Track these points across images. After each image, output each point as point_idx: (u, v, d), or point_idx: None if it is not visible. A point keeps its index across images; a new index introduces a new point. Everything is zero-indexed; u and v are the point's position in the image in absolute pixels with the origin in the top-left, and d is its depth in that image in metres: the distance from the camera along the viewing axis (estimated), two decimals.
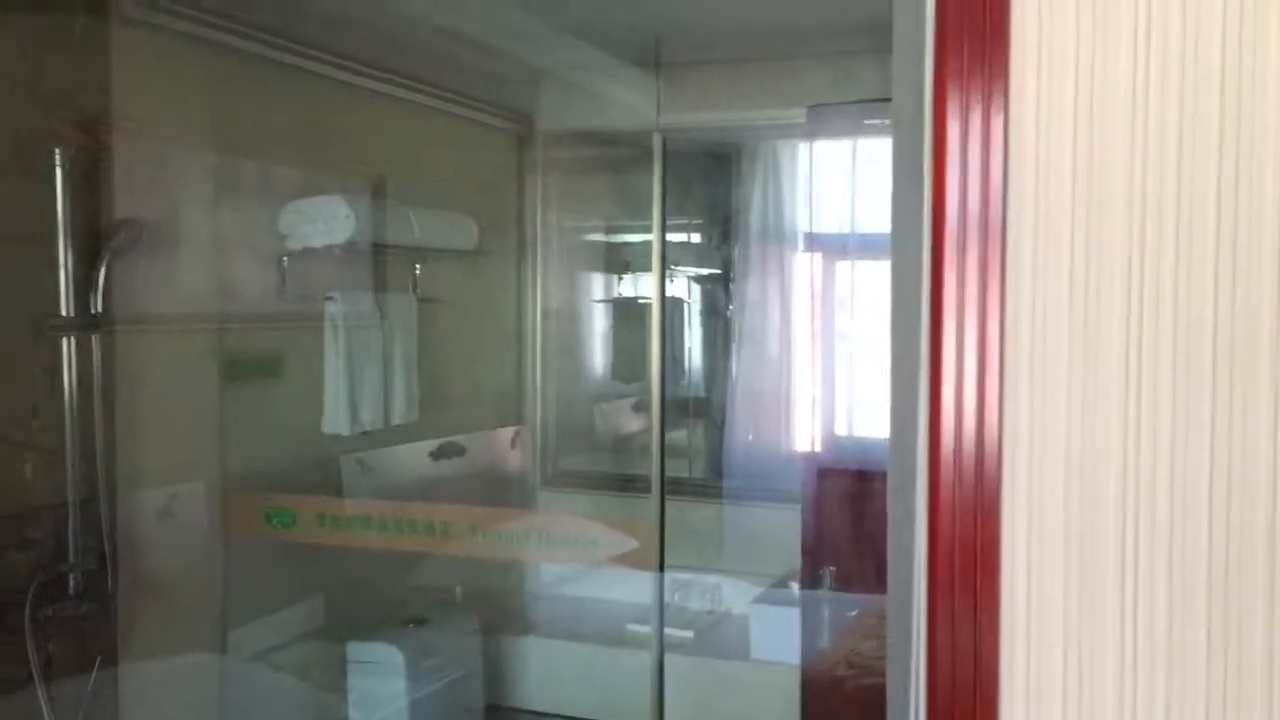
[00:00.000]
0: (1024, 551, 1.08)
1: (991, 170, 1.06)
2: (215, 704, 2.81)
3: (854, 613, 2.85)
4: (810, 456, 3.85)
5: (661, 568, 2.73)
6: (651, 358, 3.04)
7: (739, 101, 3.80)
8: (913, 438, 1.13)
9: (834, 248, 4.31)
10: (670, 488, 4.14)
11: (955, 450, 1.09)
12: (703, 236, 4.66)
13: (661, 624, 3.03)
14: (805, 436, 4.44)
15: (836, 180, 4.27)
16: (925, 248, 1.10)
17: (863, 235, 4.09)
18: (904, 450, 1.14)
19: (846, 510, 3.11)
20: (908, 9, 1.12)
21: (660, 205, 2.87)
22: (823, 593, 2.89)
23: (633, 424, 4.59)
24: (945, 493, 1.09)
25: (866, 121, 3.87)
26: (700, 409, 4.59)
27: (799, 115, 3.44)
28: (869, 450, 3.90)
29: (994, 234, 1.06)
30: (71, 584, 2.35)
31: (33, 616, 2.23)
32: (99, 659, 2.38)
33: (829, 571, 2.83)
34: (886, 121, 3.72)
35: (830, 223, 4.29)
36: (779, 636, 3.24)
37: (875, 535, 3.31)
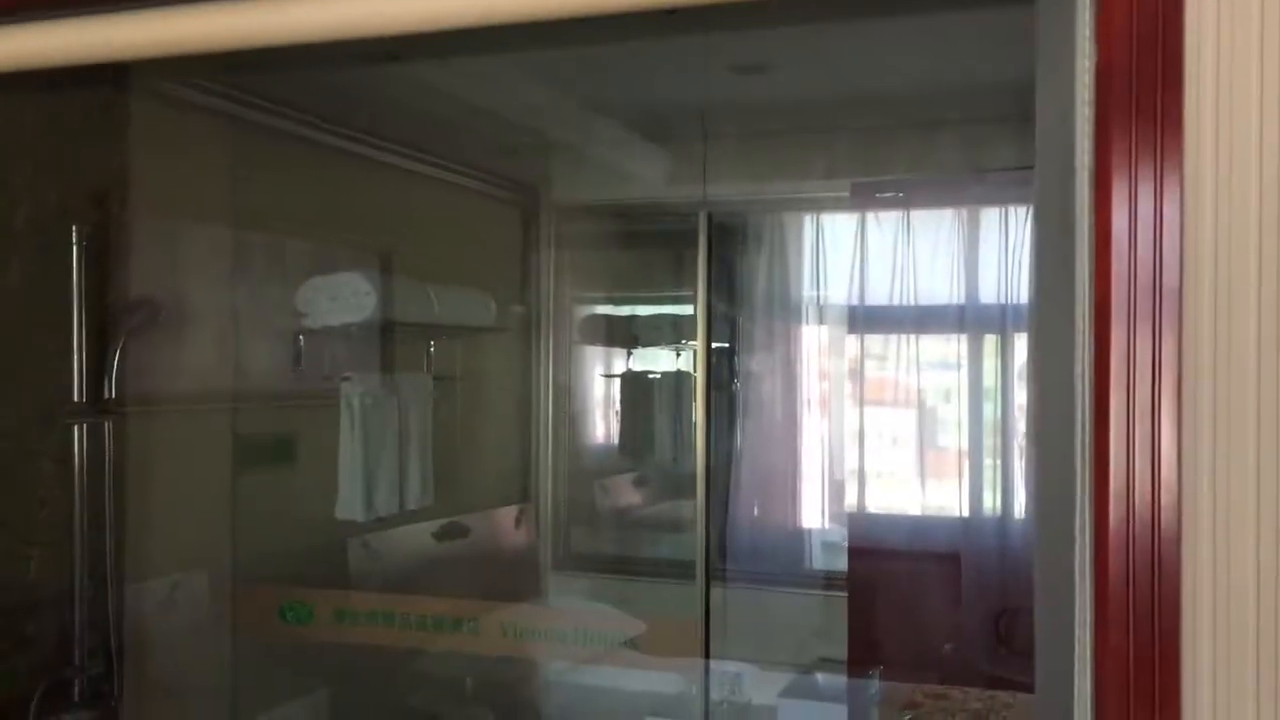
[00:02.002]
0: (1209, 659, 0.96)
1: (1164, 231, 0.97)
2: None
3: (906, 708, 2.72)
4: (845, 535, 3.74)
5: (707, 654, 2.59)
6: (697, 432, 2.92)
7: (772, 174, 3.75)
8: (1069, 524, 1.02)
9: (841, 319, 4.25)
10: (669, 569, 4.01)
11: (1126, 540, 0.98)
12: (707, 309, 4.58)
13: (707, 715, 2.88)
14: (815, 513, 4.35)
15: (844, 255, 4.23)
16: (1083, 316, 1.00)
17: (873, 307, 4.05)
18: (1056, 539, 1.03)
19: (891, 593, 2.99)
20: (1055, 55, 1.04)
21: (705, 275, 2.77)
22: (867, 682, 2.75)
23: (634, 501, 4.47)
24: (1115, 589, 0.98)
25: (879, 195, 3.84)
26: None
27: (834, 189, 3.38)
28: (901, 528, 3.80)
29: (1169, 299, 0.96)
30: (77, 689, 2.19)
31: None
32: None
33: (877, 669, 2.70)
34: (897, 194, 3.66)
35: (839, 294, 4.24)
36: None
37: (921, 620, 3.21)
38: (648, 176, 3.95)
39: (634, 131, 3.73)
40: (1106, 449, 0.98)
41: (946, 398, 3.94)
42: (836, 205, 3.88)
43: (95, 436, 2.23)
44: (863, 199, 3.44)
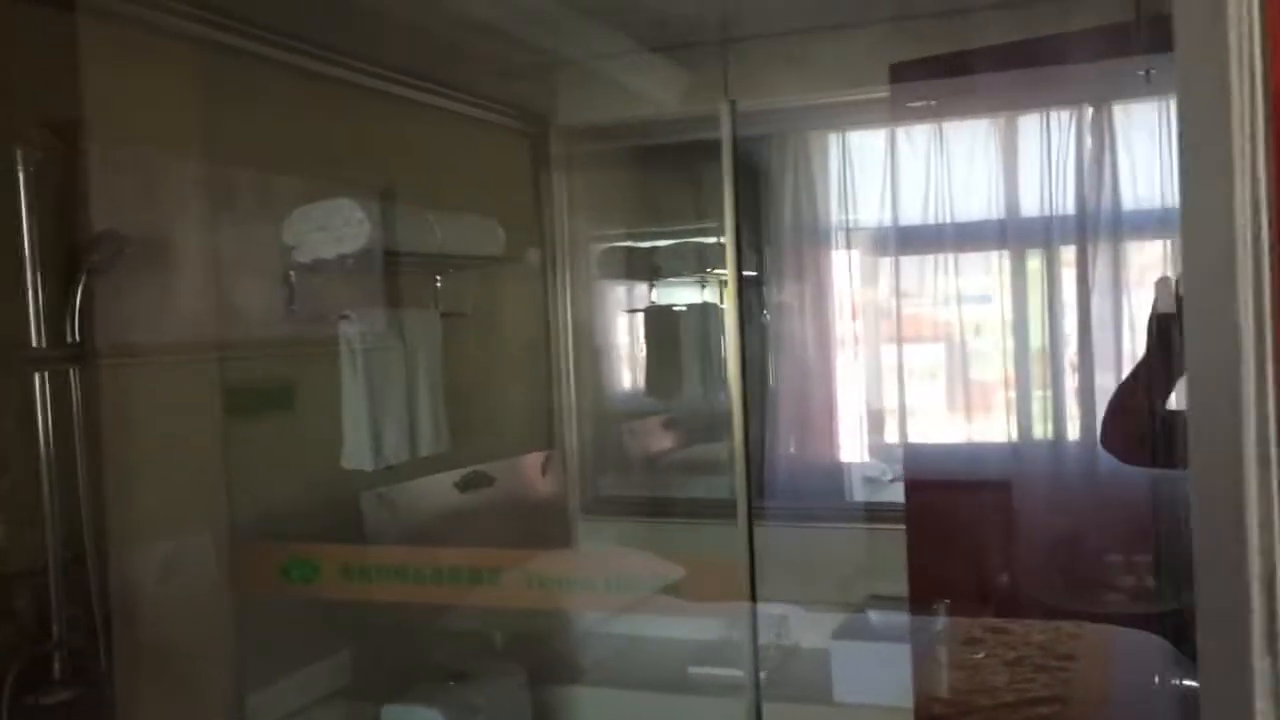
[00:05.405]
0: None
1: None
2: None
3: (967, 644, 2.50)
4: (884, 468, 3.53)
5: (754, 598, 2.37)
6: (729, 365, 2.68)
7: (796, 82, 3.46)
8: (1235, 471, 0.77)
9: (875, 243, 4.00)
10: (705, 509, 3.78)
11: None
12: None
13: (756, 667, 2.66)
14: (854, 447, 4.12)
15: (874, 168, 3.96)
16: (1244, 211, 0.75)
17: (908, 227, 3.79)
18: (1214, 483, 0.79)
19: (950, 528, 2.76)
20: None
21: (732, 193, 2.51)
22: (928, 620, 2.54)
23: (664, 442, 4.25)
24: None
25: (910, 105, 3.56)
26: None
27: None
28: (954, 459, 3.58)
29: None
30: (57, 666, 1.99)
31: (13, 707, 1.87)
32: None
33: (943, 604, 2.47)
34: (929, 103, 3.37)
35: (870, 216, 3.98)
36: (864, 674, 2.88)
37: (979, 552, 2.99)
38: (661, 92, 3.68)
39: (644, 43, 3.46)
40: None
41: (977, 330, 3.70)
42: (869, 113, 3.59)
43: (60, 386, 2.01)
44: (899, 107, 3.17)
